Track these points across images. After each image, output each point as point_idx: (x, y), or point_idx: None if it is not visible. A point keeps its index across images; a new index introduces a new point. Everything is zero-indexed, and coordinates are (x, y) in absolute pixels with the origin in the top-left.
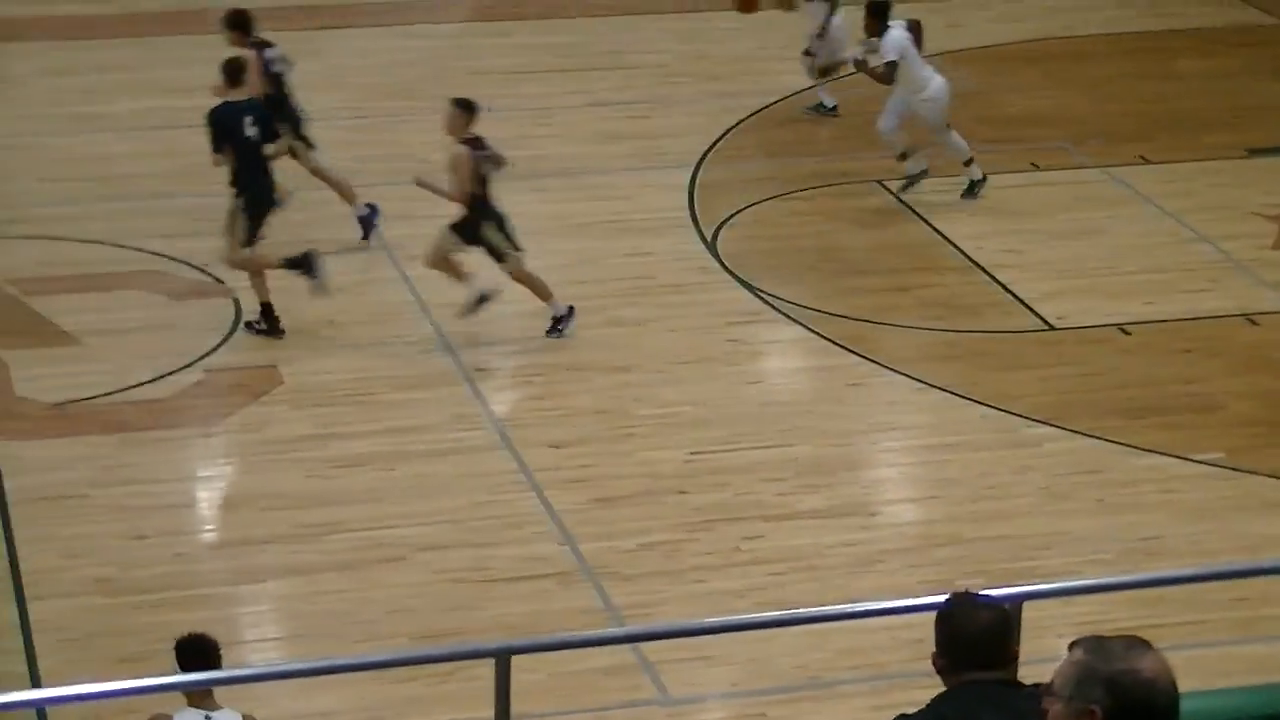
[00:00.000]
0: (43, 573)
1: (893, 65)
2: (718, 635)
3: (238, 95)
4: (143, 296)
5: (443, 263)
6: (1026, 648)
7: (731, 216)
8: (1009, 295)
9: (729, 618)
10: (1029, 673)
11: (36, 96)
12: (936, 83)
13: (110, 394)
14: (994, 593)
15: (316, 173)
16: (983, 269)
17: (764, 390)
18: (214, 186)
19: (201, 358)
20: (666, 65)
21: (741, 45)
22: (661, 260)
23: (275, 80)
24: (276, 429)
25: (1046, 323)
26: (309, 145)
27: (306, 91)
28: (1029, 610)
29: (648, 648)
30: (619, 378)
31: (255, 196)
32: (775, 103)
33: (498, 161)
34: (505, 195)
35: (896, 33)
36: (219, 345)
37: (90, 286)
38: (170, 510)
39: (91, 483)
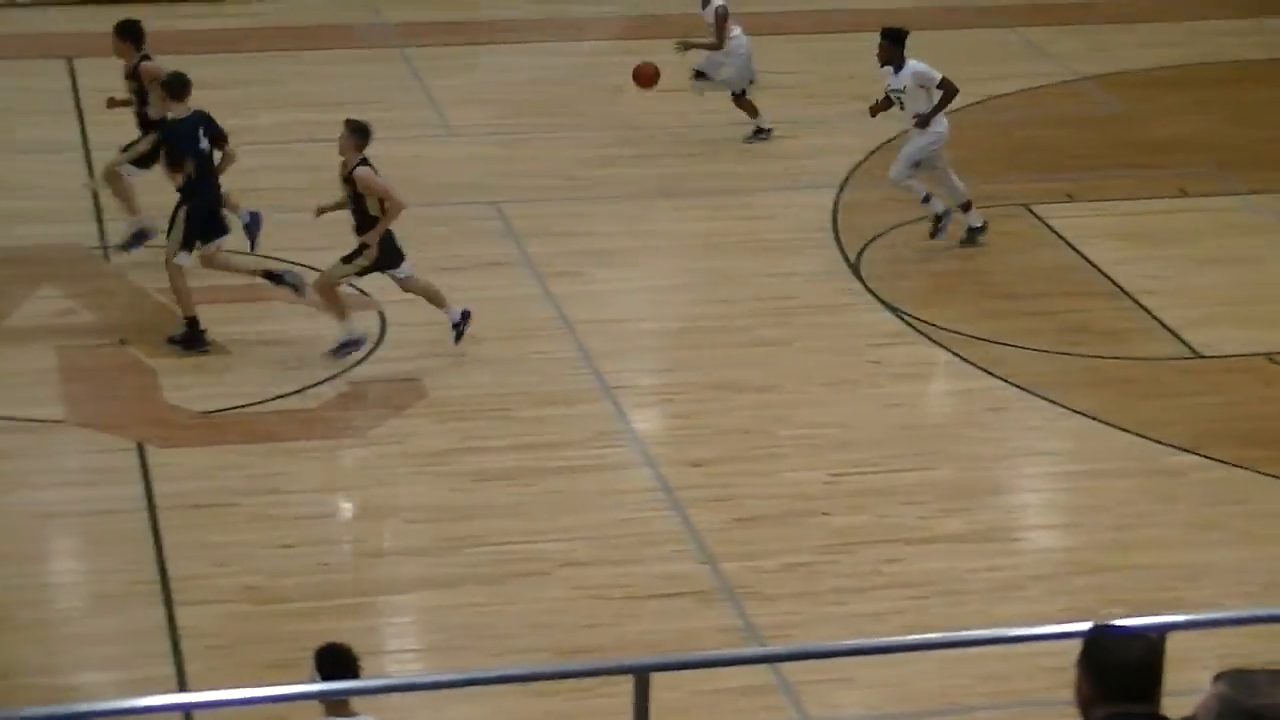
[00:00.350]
0: (191, 579)
1: (947, 80)
2: (857, 657)
3: (181, 110)
4: (289, 308)
5: (329, 294)
6: (1169, 680)
7: (875, 238)
8: (1154, 321)
9: (868, 640)
10: (1171, 705)
11: None
12: (943, 122)
13: (257, 404)
14: (1138, 623)
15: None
16: (1127, 294)
17: (905, 413)
18: None
19: (346, 370)
20: (810, 85)
21: None
22: (804, 280)
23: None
24: (419, 442)
25: (1192, 350)
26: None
27: (451, 107)
28: (1172, 642)
29: (787, 668)
30: (761, 397)
31: (201, 207)
32: None
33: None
34: (650, 213)
35: (916, 62)
36: (364, 357)
37: (237, 298)
38: (315, 520)
39: (239, 491)
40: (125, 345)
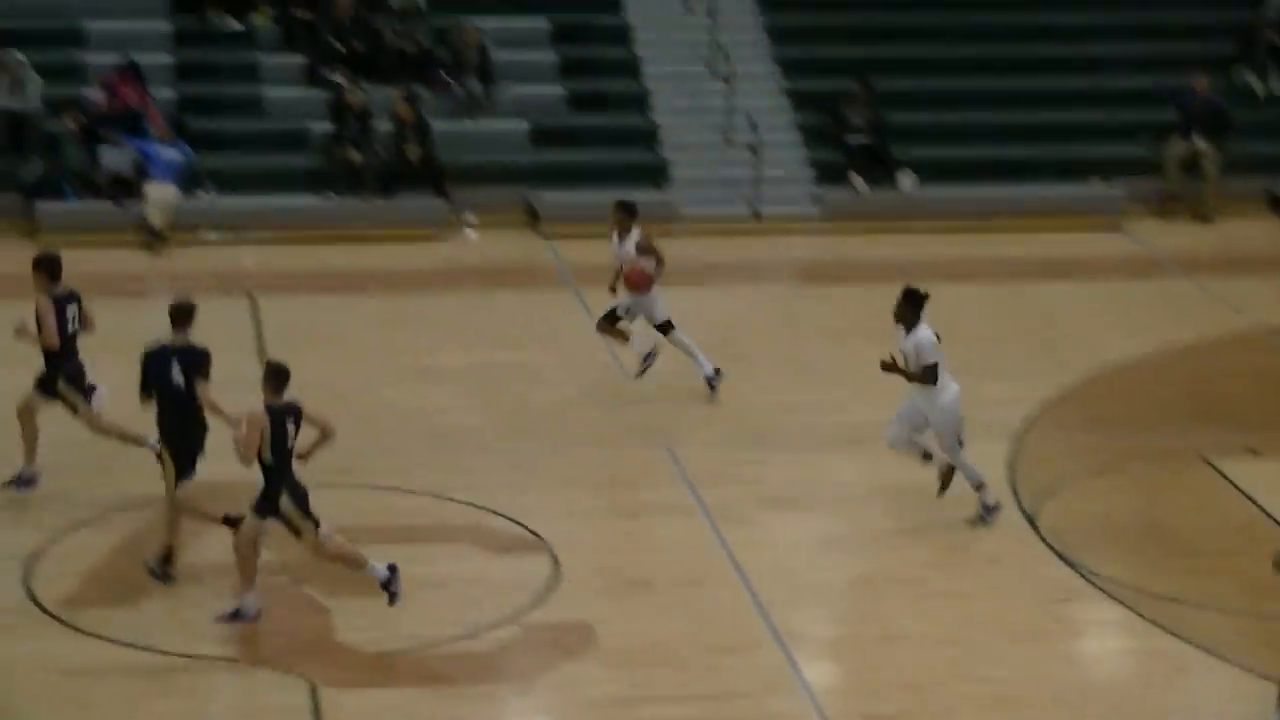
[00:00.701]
0: None
1: (933, 369)
2: None
3: (181, 338)
4: (464, 549)
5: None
6: None
7: (1053, 489)
8: None
9: None
10: None
11: (369, 348)
12: (953, 390)
13: (427, 647)
14: None
15: (97, 429)
16: None
17: (1085, 672)
18: (539, 442)
19: (518, 613)
20: (991, 332)
21: (1067, 313)
22: (980, 531)
23: (68, 335)
24: (590, 689)
25: None
26: (87, 402)
27: (627, 348)
28: None
29: None
30: (936, 650)
31: (177, 443)
32: (1102, 373)
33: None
34: (825, 459)
35: (928, 332)
36: (536, 601)
37: (414, 537)
38: None
39: None
40: (299, 584)
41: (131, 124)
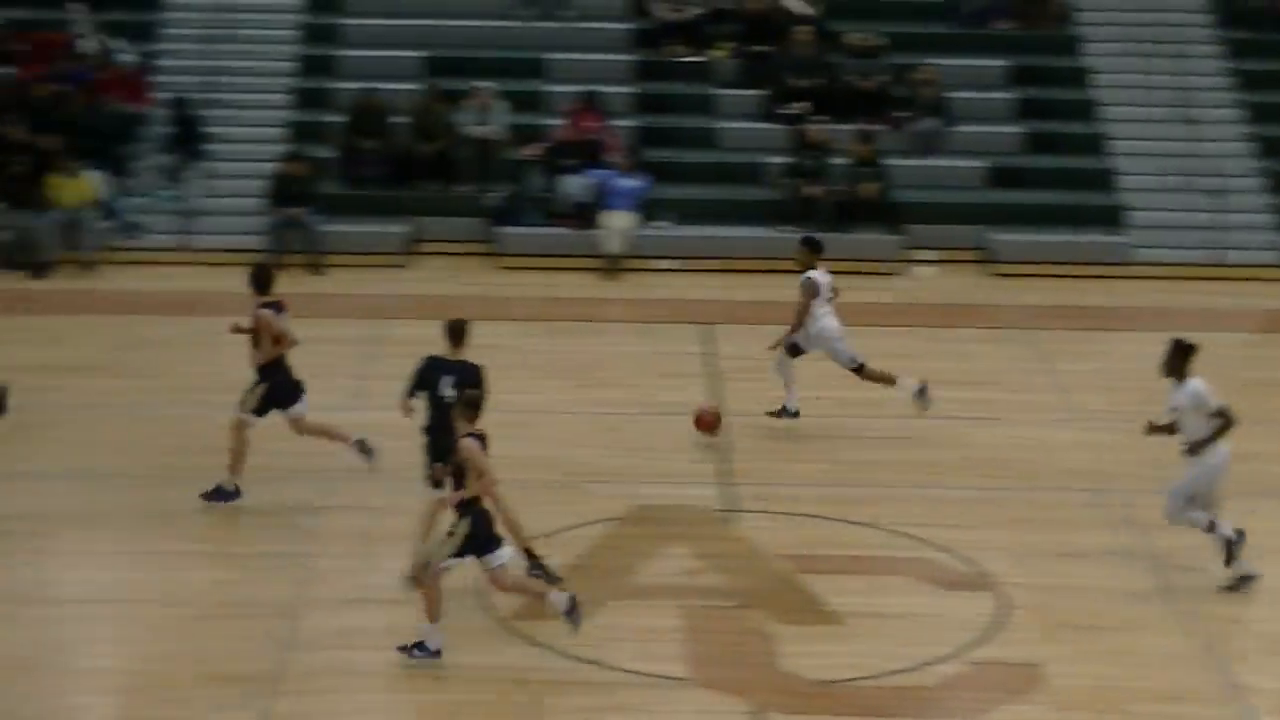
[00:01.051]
0: None
1: (1225, 409)
2: None
3: (456, 354)
4: (908, 583)
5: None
6: None
7: None
8: None
9: None
10: None
11: (817, 378)
12: (1222, 452)
13: (871, 678)
14: None
15: (308, 429)
16: None
17: None
18: (984, 479)
19: (963, 649)
20: None
21: None
22: None
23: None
24: None
25: None
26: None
27: (1078, 392)
28: None
29: None
30: None
31: (433, 453)
32: None
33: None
34: (1274, 509)
35: (1198, 381)
36: (982, 638)
37: (858, 569)
38: None
39: None
40: (747, 609)
41: (591, 154)
